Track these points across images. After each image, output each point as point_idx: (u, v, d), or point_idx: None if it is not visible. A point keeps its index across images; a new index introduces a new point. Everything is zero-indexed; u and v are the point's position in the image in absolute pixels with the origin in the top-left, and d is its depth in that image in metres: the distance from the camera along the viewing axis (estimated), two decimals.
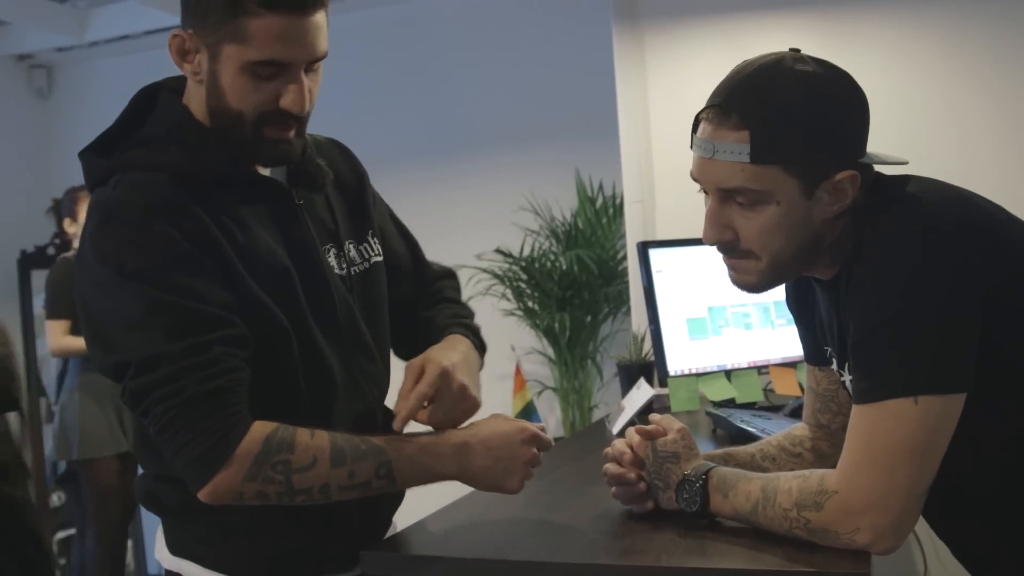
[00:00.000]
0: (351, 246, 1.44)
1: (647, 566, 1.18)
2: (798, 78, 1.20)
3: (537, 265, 4.04)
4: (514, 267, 4.04)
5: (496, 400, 4.33)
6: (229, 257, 1.24)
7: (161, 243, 1.20)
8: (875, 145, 1.40)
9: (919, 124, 2.82)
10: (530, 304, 4.07)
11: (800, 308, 1.52)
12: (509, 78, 4.37)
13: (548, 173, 4.24)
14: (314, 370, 1.32)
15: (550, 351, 4.08)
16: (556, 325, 3.96)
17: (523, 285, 4.06)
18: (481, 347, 1.52)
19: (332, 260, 1.39)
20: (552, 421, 4.18)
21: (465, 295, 4.55)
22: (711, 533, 1.27)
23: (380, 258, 1.49)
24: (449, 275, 1.67)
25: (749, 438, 1.80)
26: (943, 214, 1.17)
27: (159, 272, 1.19)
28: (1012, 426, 1.22)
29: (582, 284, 3.90)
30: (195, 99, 1.31)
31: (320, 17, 1.26)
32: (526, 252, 4.10)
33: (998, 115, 2.79)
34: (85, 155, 1.33)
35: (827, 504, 1.13)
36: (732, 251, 1.27)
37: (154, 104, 1.34)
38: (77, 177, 1.38)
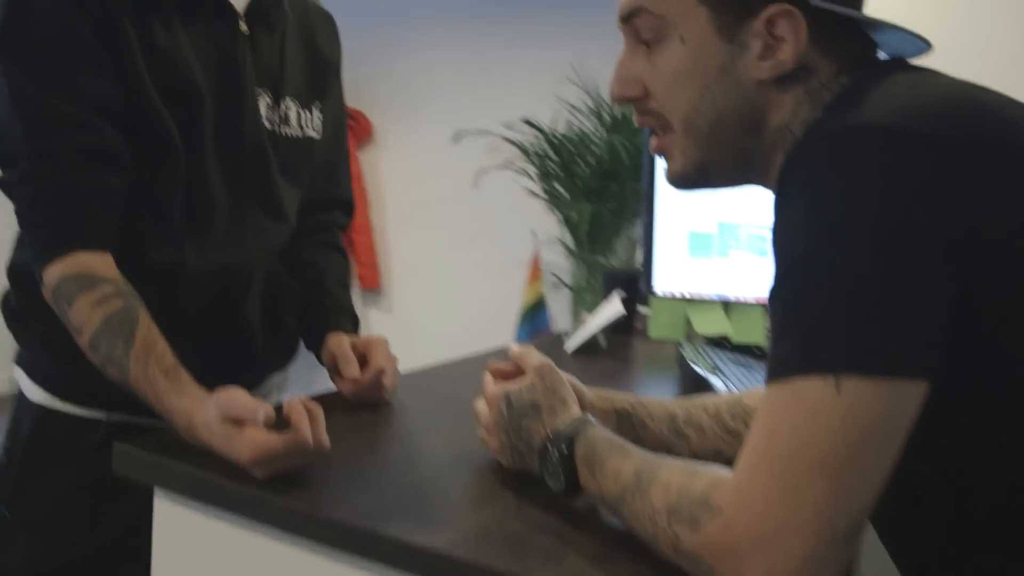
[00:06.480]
0: (291, 103, 1.39)
1: (429, 549, 0.83)
2: None
3: (572, 146, 3.61)
4: (543, 144, 3.62)
5: (509, 287, 4.00)
6: (134, 59, 1.20)
7: (59, 26, 1.16)
8: None
9: None
10: (557, 187, 3.66)
11: None
12: None
13: (599, 46, 3.78)
14: (196, 200, 1.27)
15: (571, 242, 3.70)
16: (576, 216, 3.57)
17: (552, 165, 3.64)
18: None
19: (262, 108, 1.34)
20: (562, 321, 3.85)
21: (482, 164, 4.15)
22: (568, 512, 0.92)
23: (318, 136, 1.45)
24: (349, 208, 1.60)
25: (708, 390, 1.44)
26: (907, 110, 0.74)
27: (41, 56, 1.16)
28: (998, 439, 0.76)
29: (610, 175, 3.48)
30: None
31: None
32: (561, 129, 3.67)
33: None
34: None
35: (706, 525, 0.74)
36: (643, 112, 0.93)
37: None
38: None
